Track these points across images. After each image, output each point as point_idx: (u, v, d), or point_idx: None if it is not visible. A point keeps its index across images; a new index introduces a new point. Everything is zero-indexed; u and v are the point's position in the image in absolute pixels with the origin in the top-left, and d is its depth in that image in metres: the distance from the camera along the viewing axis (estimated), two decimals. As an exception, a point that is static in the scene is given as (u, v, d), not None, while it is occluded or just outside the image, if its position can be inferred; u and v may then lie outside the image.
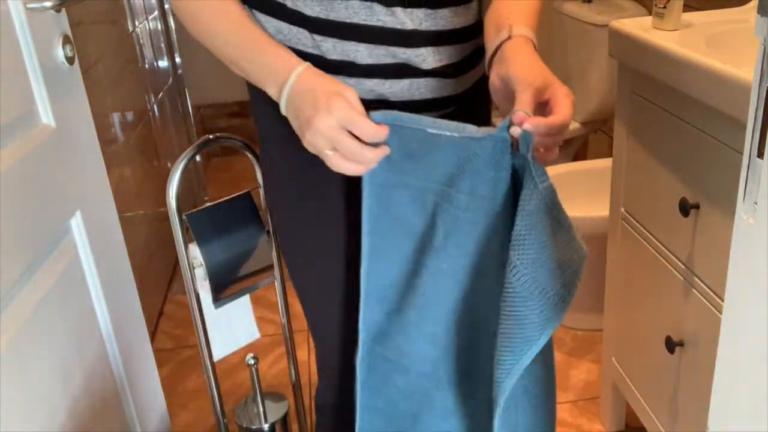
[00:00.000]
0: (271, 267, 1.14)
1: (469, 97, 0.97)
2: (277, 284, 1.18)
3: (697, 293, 1.13)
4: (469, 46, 0.93)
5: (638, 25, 1.27)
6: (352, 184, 0.89)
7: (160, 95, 2.57)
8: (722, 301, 1.08)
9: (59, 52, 1.00)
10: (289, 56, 0.81)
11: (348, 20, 0.84)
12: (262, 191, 1.11)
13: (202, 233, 1.05)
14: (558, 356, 1.88)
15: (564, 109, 0.76)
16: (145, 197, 2.18)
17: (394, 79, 0.88)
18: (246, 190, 1.12)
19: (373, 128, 0.77)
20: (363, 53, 0.86)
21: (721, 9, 1.37)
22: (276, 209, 1.00)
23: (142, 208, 2.14)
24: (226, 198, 1.11)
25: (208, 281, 1.06)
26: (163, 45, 2.66)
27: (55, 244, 0.97)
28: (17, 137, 0.89)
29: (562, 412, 1.68)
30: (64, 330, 0.96)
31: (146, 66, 2.47)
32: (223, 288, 1.08)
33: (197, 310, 1.08)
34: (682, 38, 1.18)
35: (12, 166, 0.85)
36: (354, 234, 0.94)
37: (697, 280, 1.13)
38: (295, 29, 0.86)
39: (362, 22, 0.84)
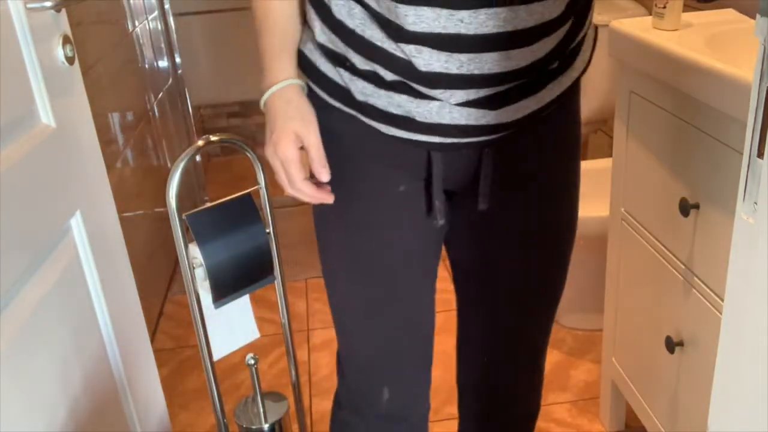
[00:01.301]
0: (271, 267, 1.14)
1: (528, 125, 0.89)
2: (277, 284, 1.18)
3: (697, 293, 1.13)
4: (515, 84, 0.84)
5: (638, 25, 1.27)
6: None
7: (160, 95, 2.57)
8: (722, 301, 1.08)
9: (59, 52, 1.00)
10: (278, 69, 0.87)
11: (375, 41, 0.83)
12: (262, 191, 1.11)
13: (202, 233, 1.05)
14: (558, 356, 1.88)
15: None
16: (145, 197, 2.18)
17: (420, 100, 0.84)
18: (246, 191, 1.12)
19: (298, 184, 0.87)
20: (387, 73, 0.84)
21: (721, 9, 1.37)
22: (321, 211, 0.98)
23: (142, 208, 2.14)
24: (226, 198, 1.10)
25: (207, 281, 1.06)
26: (163, 45, 2.66)
27: (55, 244, 0.97)
28: (17, 137, 0.89)
29: (562, 412, 1.68)
30: (64, 330, 0.96)
31: (146, 66, 2.47)
32: (223, 288, 1.08)
33: (197, 310, 1.08)
34: (682, 38, 1.18)
35: (12, 166, 0.85)
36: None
37: (697, 280, 1.13)
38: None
39: (389, 50, 0.82)
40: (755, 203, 0.50)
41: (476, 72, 0.81)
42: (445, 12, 0.77)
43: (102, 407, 1.06)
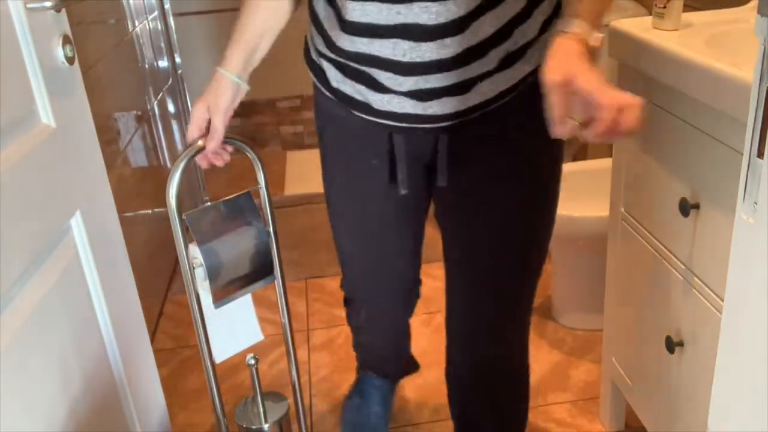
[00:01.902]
0: (271, 267, 1.14)
1: (477, 120, 0.99)
2: (278, 284, 1.18)
3: (697, 293, 1.13)
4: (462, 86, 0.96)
5: (638, 25, 1.27)
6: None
7: (160, 95, 2.57)
8: (722, 301, 1.08)
9: (59, 52, 1.00)
10: (225, 58, 1.06)
11: (332, 35, 1.00)
12: (263, 191, 1.11)
13: (202, 233, 1.05)
14: (558, 356, 1.88)
15: (604, 103, 0.76)
16: (145, 197, 2.18)
17: (375, 91, 1.00)
18: (246, 190, 1.12)
19: (190, 130, 1.06)
20: (347, 63, 1.02)
21: (721, 9, 1.37)
22: (323, 161, 1.19)
23: (142, 208, 2.14)
24: (226, 198, 1.10)
25: (208, 281, 1.06)
26: (163, 45, 2.66)
27: (55, 244, 0.97)
28: (17, 137, 0.89)
29: (562, 412, 1.68)
30: (64, 330, 0.96)
31: (146, 66, 2.47)
32: (223, 288, 1.08)
33: (197, 311, 1.08)
34: (682, 38, 1.18)
35: (12, 166, 0.85)
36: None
37: (697, 280, 1.13)
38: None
39: (343, 41, 0.99)
40: (755, 203, 0.50)
41: (417, 60, 0.93)
42: (385, 6, 0.90)
43: (102, 407, 1.06)
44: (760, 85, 0.49)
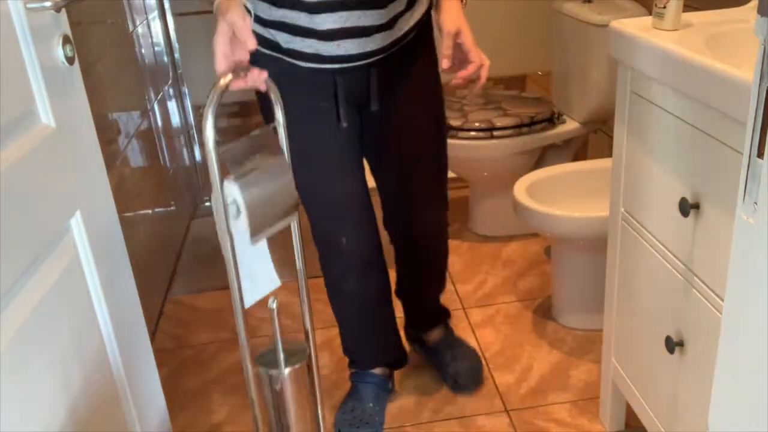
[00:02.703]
0: (295, 205, 1.13)
1: (396, 51, 1.35)
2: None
3: (697, 293, 1.13)
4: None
5: (638, 25, 1.27)
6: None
7: (160, 95, 2.57)
8: (722, 301, 1.08)
9: (59, 52, 1.00)
10: None
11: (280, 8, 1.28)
12: (281, 128, 1.11)
13: (238, 169, 1.03)
14: (558, 356, 1.88)
15: (474, 59, 1.26)
16: (145, 197, 2.18)
17: (323, 41, 1.27)
18: (269, 125, 1.11)
19: (216, 46, 1.14)
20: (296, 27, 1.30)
21: (721, 9, 1.37)
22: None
23: (142, 208, 2.14)
24: (251, 132, 1.08)
25: (239, 220, 1.04)
26: (163, 45, 2.66)
27: (55, 244, 0.97)
28: (17, 137, 0.89)
29: (562, 412, 1.68)
30: (64, 330, 0.96)
31: (146, 66, 2.47)
32: (257, 222, 1.06)
33: (230, 251, 1.05)
34: (682, 38, 1.18)
35: (12, 166, 0.85)
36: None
37: (697, 280, 1.13)
38: None
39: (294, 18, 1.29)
40: (755, 203, 0.50)
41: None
42: None
43: (102, 407, 1.06)
44: (760, 85, 0.49)
